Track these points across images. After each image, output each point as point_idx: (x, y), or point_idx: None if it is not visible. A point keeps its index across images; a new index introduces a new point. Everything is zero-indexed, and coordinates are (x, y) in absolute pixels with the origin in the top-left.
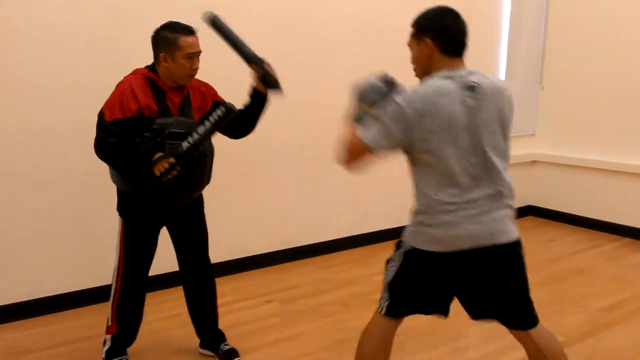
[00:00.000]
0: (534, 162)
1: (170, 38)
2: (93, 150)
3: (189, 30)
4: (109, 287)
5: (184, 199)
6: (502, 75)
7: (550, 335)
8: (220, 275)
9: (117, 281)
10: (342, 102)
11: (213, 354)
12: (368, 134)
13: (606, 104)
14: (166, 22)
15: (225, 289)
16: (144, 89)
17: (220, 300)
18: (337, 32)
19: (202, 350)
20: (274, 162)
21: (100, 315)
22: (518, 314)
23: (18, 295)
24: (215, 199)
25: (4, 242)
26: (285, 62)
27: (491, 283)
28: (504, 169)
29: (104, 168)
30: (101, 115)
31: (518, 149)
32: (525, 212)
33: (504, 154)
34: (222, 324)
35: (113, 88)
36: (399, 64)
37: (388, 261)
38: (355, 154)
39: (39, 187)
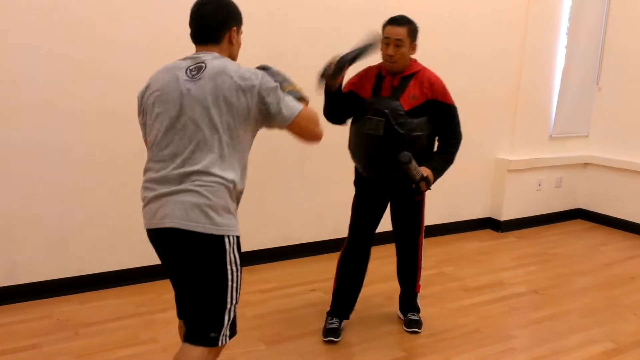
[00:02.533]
0: (586, 164)
1: (382, 26)
2: None
3: (391, 20)
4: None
5: (368, 170)
6: (558, 74)
7: None
8: (267, 261)
9: (344, 245)
10: None
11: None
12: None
13: None
14: None
15: (271, 275)
16: (370, 74)
17: (265, 286)
18: None
19: (399, 313)
20: (325, 154)
21: (153, 293)
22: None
23: (73, 270)
24: (267, 188)
25: (59, 219)
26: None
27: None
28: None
29: None
30: None
31: (570, 151)
32: (574, 215)
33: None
34: (265, 310)
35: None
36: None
37: None
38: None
39: (103, 165)
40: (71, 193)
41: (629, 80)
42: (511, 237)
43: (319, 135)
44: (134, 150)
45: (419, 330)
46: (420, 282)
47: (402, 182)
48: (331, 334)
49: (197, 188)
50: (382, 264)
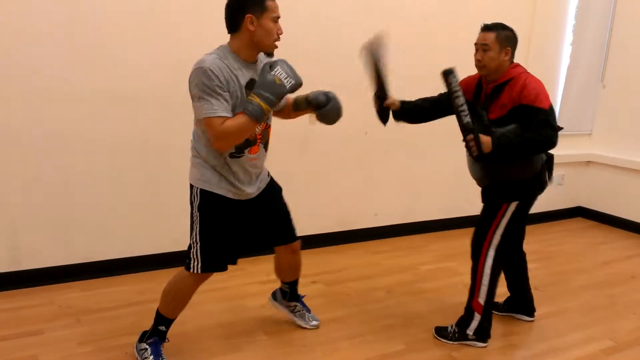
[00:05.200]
0: (588, 162)
1: None
2: (165, 119)
3: (482, 27)
4: (166, 255)
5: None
6: (563, 71)
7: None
8: (269, 253)
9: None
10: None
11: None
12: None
13: None
14: None
15: (272, 267)
16: (471, 81)
17: (265, 278)
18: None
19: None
20: (332, 146)
21: (153, 282)
22: None
23: (76, 257)
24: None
25: (63, 205)
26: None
27: None
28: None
29: (176, 135)
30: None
31: (573, 149)
32: (575, 213)
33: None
34: (266, 301)
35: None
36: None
37: None
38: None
39: (108, 152)
40: (75, 180)
41: (634, 78)
42: None
43: (215, 146)
44: (139, 138)
45: (438, 338)
46: (481, 300)
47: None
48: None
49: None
50: (385, 258)
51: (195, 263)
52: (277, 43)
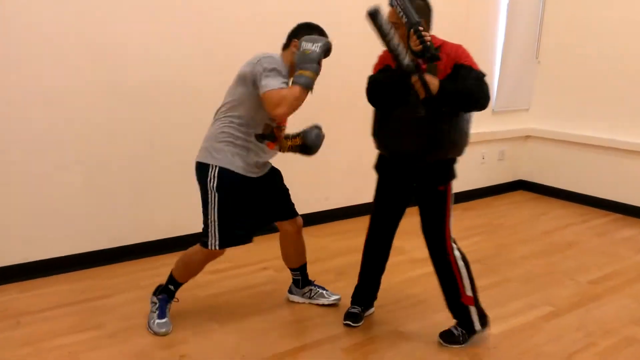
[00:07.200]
0: (527, 137)
1: None
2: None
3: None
4: (105, 251)
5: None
6: (499, 49)
7: None
8: None
9: (366, 234)
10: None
11: None
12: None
13: (601, 80)
14: None
15: (223, 256)
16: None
17: (216, 267)
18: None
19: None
20: None
21: (94, 279)
22: None
23: (13, 258)
24: None
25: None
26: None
27: None
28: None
29: (117, 130)
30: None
31: (512, 124)
32: (516, 186)
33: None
34: (217, 290)
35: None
36: None
37: None
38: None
39: (44, 149)
40: (7, 180)
41: (567, 54)
42: (458, 209)
43: (276, 115)
44: (72, 132)
45: (448, 345)
46: (469, 292)
47: (429, 167)
48: (350, 318)
49: None
50: (335, 240)
51: (213, 240)
52: None
